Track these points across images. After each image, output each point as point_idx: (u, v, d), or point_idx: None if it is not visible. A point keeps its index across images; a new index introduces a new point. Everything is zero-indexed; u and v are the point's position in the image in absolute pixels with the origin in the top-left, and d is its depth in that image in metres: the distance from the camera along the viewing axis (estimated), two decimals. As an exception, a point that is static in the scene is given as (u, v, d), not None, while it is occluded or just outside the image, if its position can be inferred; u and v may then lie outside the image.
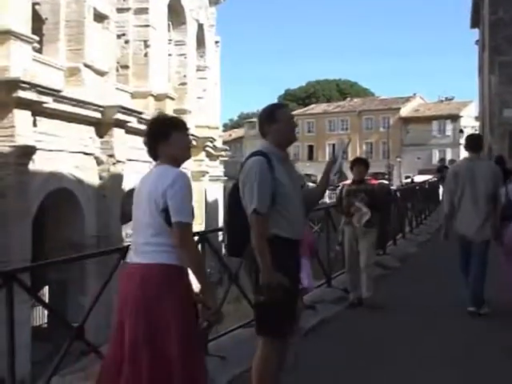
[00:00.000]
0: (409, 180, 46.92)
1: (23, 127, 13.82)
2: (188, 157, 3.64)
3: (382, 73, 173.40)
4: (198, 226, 25.25)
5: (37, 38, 15.15)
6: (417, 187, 19.82)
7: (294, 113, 77.67)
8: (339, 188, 8.20)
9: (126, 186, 19.19)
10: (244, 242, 3.75)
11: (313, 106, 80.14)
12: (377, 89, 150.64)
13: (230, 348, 4.71)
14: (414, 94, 74.81)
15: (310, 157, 73.22)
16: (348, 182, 8.03)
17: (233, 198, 3.91)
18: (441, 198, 19.45)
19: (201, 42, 28.94)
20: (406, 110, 70.68)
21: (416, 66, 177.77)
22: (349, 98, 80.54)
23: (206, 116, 29.51)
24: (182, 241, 3.35)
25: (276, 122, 3.91)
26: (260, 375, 3.77)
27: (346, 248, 7.84)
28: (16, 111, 13.65)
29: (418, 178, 39.86)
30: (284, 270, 3.65)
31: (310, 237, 6.61)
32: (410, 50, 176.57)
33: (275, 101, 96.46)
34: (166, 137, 3.46)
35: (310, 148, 74.14)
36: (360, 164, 7.92)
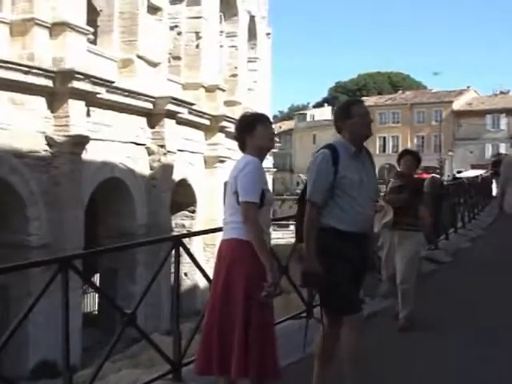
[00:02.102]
0: (459, 175, 45.99)
1: (77, 117, 14.07)
2: (272, 146, 4.11)
3: (436, 65, 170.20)
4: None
5: (92, 30, 15.40)
6: (468, 182, 19.44)
7: (345, 105, 77.16)
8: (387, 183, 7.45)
9: (176, 176, 19.39)
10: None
11: (363, 98, 79.24)
12: (430, 82, 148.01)
13: (279, 339, 4.77)
14: (468, 87, 73.19)
15: (360, 150, 72.43)
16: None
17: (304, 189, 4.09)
18: (494, 193, 19.07)
19: (252, 33, 28.89)
20: (458, 104, 69.23)
21: (470, 59, 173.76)
22: (400, 91, 79.37)
23: (257, 108, 29.43)
24: (245, 218, 3.71)
25: (350, 117, 4.01)
26: (353, 354, 3.88)
27: (383, 253, 6.89)
28: (71, 101, 13.91)
29: (470, 173, 39.09)
30: (338, 260, 3.82)
31: None
32: (464, 42, 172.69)
33: (326, 93, 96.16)
34: (252, 129, 3.90)
35: (360, 141, 73.37)
36: (408, 156, 6.89)
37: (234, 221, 3.82)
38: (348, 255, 3.86)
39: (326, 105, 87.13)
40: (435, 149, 67.03)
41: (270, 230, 4.05)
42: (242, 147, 4.01)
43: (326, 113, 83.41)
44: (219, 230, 4.22)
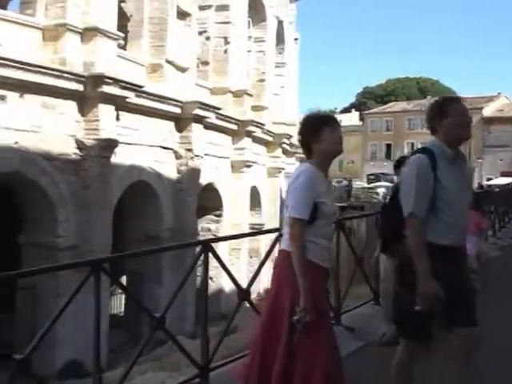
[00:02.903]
0: (490, 182, 45.39)
1: (107, 121, 14.24)
2: (340, 151, 3.74)
3: (466, 71, 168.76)
4: (272, 222, 25.37)
5: (122, 35, 15.58)
6: (498, 190, 19.22)
7: (372, 111, 76.85)
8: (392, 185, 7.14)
9: (203, 180, 19.49)
10: (394, 241, 3.70)
11: (391, 104, 78.89)
12: (459, 87, 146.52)
13: (358, 321, 4.99)
14: (499, 94, 72.38)
15: (388, 155, 72.14)
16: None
17: (393, 195, 3.93)
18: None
19: (280, 38, 28.95)
20: (489, 110, 68.47)
21: (501, 65, 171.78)
22: (429, 97, 78.75)
23: (284, 112, 29.52)
24: (289, 234, 3.56)
25: (447, 116, 3.68)
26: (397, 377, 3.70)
27: (381, 267, 6.26)
28: (101, 105, 14.08)
29: (501, 180, 38.60)
30: (439, 279, 3.40)
31: (477, 217, 6.50)
32: (495, 48, 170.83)
33: (353, 98, 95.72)
34: (318, 133, 3.63)
35: (388, 146, 73.05)
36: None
37: (286, 232, 3.64)
38: (446, 274, 3.44)
39: (353, 110, 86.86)
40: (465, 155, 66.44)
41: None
42: (308, 153, 3.72)
43: (353, 118, 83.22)
44: (248, 235, 4.25)
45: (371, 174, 69.33)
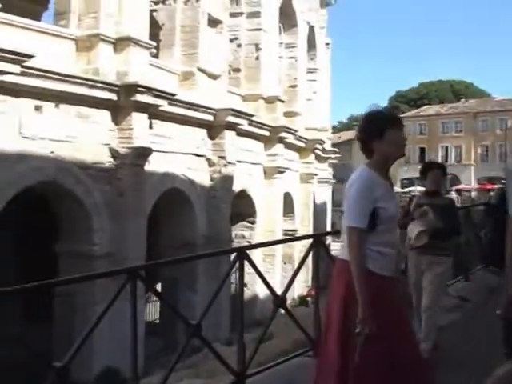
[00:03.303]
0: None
1: (140, 129, 14.34)
2: (402, 154, 3.59)
3: (501, 73, 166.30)
4: (305, 228, 25.29)
5: (154, 44, 15.71)
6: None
7: (405, 114, 76.19)
8: (409, 198, 6.63)
9: (236, 187, 19.52)
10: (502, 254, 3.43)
11: (425, 107, 78.15)
12: (494, 89, 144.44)
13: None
14: (534, 95, 71.22)
15: (422, 159, 71.39)
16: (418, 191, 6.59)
17: (498, 206, 3.82)
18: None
19: (311, 44, 28.91)
20: (524, 112, 67.40)
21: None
22: (463, 99, 77.85)
23: (316, 118, 29.45)
24: (348, 242, 3.44)
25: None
26: None
27: (410, 280, 5.98)
28: (134, 114, 14.19)
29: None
30: None
31: None
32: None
33: (385, 102, 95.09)
34: (381, 133, 3.46)
35: (422, 150, 72.35)
36: (435, 171, 6.07)
37: (344, 239, 3.55)
38: None
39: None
40: (500, 158, 65.48)
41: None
42: (368, 153, 3.56)
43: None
44: (283, 241, 4.21)
45: (405, 179, 68.71)
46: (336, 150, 35.98)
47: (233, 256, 4.69)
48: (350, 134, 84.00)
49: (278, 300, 4.93)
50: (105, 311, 3.59)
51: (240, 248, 4.83)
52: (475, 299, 8.00)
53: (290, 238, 19.40)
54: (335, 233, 10.24)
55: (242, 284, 4.72)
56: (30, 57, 11.08)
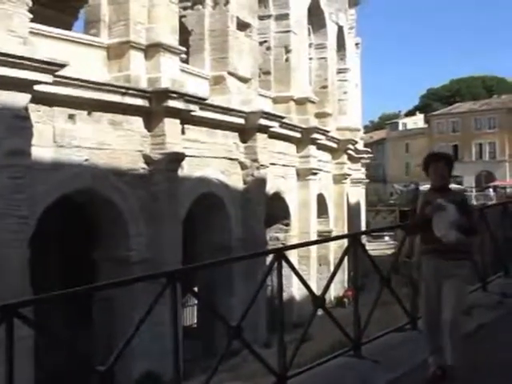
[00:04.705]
0: None
1: (173, 135, 14.42)
2: None
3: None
4: (340, 228, 25.16)
5: (184, 49, 15.79)
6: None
7: (438, 112, 75.40)
8: (410, 198, 6.00)
9: (270, 189, 19.50)
10: None
11: (457, 104, 77.17)
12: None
13: (382, 352, 4.66)
14: None
15: (455, 157, 70.51)
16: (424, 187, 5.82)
17: None
18: None
19: (341, 44, 28.80)
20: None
21: None
22: (496, 95, 76.65)
23: (347, 118, 29.32)
24: None
25: None
26: None
27: (422, 290, 5.27)
28: (166, 120, 14.28)
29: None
30: None
31: None
32: None
33: (417, 100, 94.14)
34: None
35: (455, 148, 71.44)
36: (437, 163, 5.24)
37: None
38: None
39: (417, 113, 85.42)
40: (536, 154, 64.33)
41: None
42: None
43: (418, 121, 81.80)
44: (319, 241, 4.18)
45: (439, 177, 67.81)
46: (368, 149, 35.77)
47: (270, 258, 4.66)
48: (382, 134, 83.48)
49: (319, 300, 4.88)
50: (147, 314, 3.60)
51: (278, 249, 4.80)
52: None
53: (327, 238, 19.31)
54: (372, 232, 10.16)
55: (280, 286, 4.69)
56: (62, 66, 11.22)
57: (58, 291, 3.90)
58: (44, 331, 3.58)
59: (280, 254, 4.53)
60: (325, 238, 17.95)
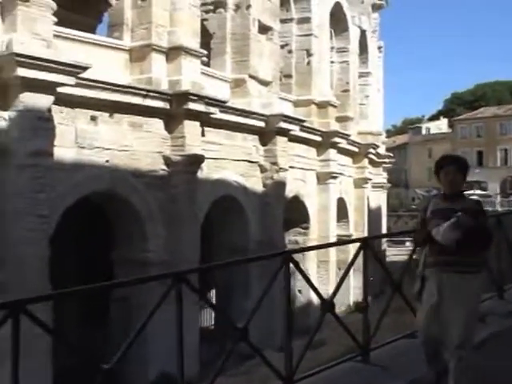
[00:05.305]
0: None
1: (192, 137, 14.52)
2: None
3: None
4: (360, 233, 25.07)
5: (205, 52, 15.89)
6: None
7: (462, 117, 74.76)
8: (422, 206, 5.25)
9: (289, 192, 19.52)
10: None
11: (482, 109, 76.45)
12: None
13: (391, 358, 4.66)
14: None
15: (480, 162, 69.87)
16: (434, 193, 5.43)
17: None
18: None
19: (363, 48, 28.72)
20: None
21: None
22: (522, 100, 75.85)
23: (369, 122, 29.22)
24: None
25: None
26: None
27: (423, 305, 4.79)
28: (186, 122, 14.39)
29: None
30: None
31: None
32: None
33: (441, 105, 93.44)
34: None
35: (479, 153, 70.79)
36: (449, 167, 4.81)
37: None
38: None
39: (441, 117, 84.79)
40: (562, 159, 63.55)
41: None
42: None
43: (442, 125, 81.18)
44: (329, 245, 4.19)
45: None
46: (390, 154, 35.59)
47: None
48: (404, 138, 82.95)
49: (326, 304, 4.90)
50: (149, 316, 3.68)
51: (285, 252, 4.83)
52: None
53: (335, 242, 19.21)
54: (383, 236, 10.11)
55: (288, 289, 4.72)
56: (85, 69, 11.38)
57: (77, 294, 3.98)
58: (53, 330, 3.63)
59: (287, 257, 4.56)
60: (334, 242, 17.91)
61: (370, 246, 5.37)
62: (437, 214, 4.72)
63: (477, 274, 4.69)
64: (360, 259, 5.38)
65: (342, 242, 17.94)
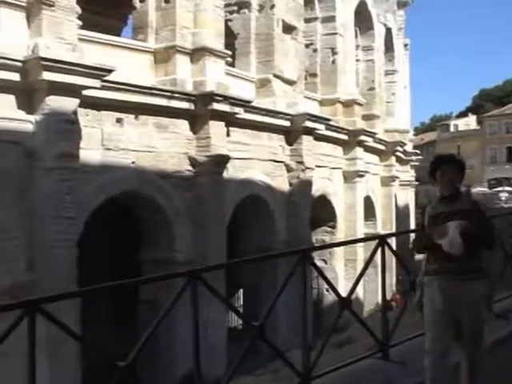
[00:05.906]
0: None
1: (218, 137, 14.59)
2: None
3: None
4: (388, 231, 24.91)
5: (230, 53, 15.95)
6: None
7: (491, 113, 73.76)
8: (420, 210, 5.11)
9: (316, 191, 19.48)
10: None
11: (511, 105, 75.34)
12: None
13: (411, 355, 4.64)
14: None
15: (509, 159, 68.86)
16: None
17: None
18: None
19: (389, 45, 28.56)
20: None
21: None
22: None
23: (396, 120, 29.04)
24: None
25: None
26: None
27: (426, 315, 4.58)
28: (211, 123, 14.46)
29: None
30: None
31: None
32: None
33: (469, 101, 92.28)
34: None
35: (509, 150, 69.75)
36: (445, 166, 4.64)
37: None
38: None
39: (469, 114, 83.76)
40: None
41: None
42: None
43: (470, 122, 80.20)
44: (345, 243, 4.20)
45: (493, 179, 66.46)
46: (418, 151, 35.30)
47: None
48: (432, 136, 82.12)
49: (343, 302, 4.91)
50: (164, 315, 3.73)
51: (302, 250, 4.85)
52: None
53: (352, 239, 19.07)
54: (400, 234, 10.02)
55: (305, 286, 4.74)
56: (110, 71, 11.52)
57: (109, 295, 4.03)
58: (69, 329, 3.65)
59: (305, 254, 4.58)
60: (351, 240, 17.83)
61: (387, 243, 5.35)
62: (436, 219, 4.53)
63: (480, 278, 4.52)
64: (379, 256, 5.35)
65: (359, 239, 17.86)
